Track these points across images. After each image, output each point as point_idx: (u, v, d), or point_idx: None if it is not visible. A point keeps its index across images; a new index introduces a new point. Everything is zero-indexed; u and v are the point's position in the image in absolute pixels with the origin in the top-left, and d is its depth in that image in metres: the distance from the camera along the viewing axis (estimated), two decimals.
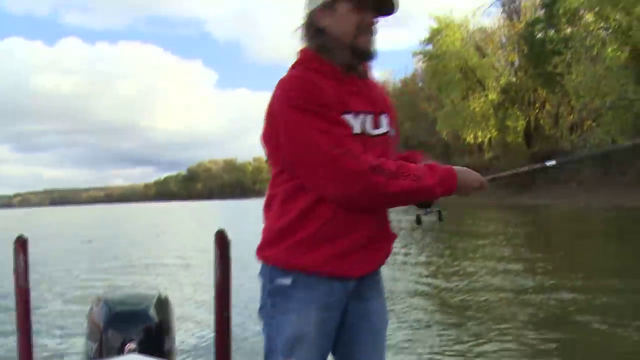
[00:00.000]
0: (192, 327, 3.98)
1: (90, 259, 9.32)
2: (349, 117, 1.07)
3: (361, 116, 1.09)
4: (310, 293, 1.06)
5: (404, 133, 40.76)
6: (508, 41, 28.88)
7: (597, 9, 18.04)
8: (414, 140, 36.15)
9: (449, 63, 29.03)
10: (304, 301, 1.07)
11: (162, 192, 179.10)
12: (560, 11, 21.14)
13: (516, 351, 3.19)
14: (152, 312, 1.39)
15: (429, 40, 31.56)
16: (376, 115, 1.12)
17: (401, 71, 72.69)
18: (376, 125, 1.12)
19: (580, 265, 6.40)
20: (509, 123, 27.39)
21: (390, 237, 1.18)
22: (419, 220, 1.13)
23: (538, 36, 23.43)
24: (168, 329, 1.41)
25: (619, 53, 17.85)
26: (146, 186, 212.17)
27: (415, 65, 38.22)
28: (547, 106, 26.24)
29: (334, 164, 0.99)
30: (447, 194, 1.06)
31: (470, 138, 29.68)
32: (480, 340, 3.42)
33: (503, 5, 29.81)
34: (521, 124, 27.61)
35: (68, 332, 4.01)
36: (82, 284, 6.42)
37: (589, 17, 19.53)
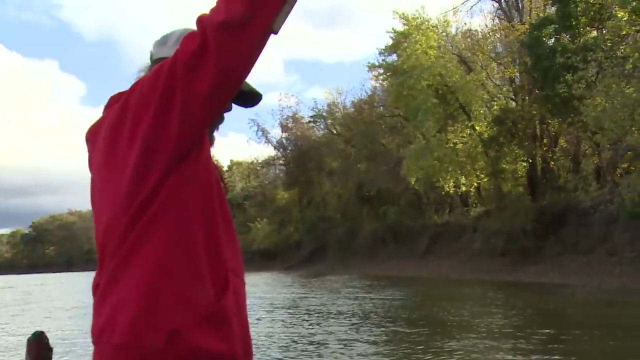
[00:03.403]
0: None
1: None
2: None
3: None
4: None
5: (357, 177, 41.01)
6: (505, 50, 29.03)
7: (633, 3, 17.82)
8: (371, 188, 35.79)
9: (419, 81, 29.07)
10: None
11: None
12: (579, 8, 21.04)
13: None
14: None
15: (392, 49, 32.31)
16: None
17: (354, 91, 72.83)
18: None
19: None
20: (505, 165, 27.46)
21: None
22: None
23: (548, 43, 23.25)
24: None
25: None
26: None
27: (373, 82, 38.95)
28: (562, 142, 26.45)
29: None
30: None
31: (449, 186, 29.71)
32: None
33: None
34: (522, 166, 27.58)
35: None
36: None
37: (621, 15, 19.17)
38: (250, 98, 1.50)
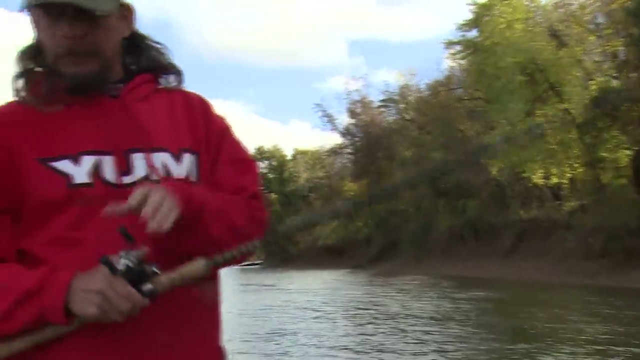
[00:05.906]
0: None
1: None
2: (61, 164, 1.15)
3: (89, 159, 1.16)
4: None
5: (432, 167, 40.50)
6: (607, 21, 28.51)
7: None
8: (449, 180, 35.74)
9: (504, 59, 28.96)
10: None
11: None
12: None
13: None
14: None
15: (473, 24, 31.96)
16: (121, 155, 1.18)
17: (428, 72, 71.57)
18: (124, 170, 1.18)
19: None
20: (604, 154, 27.25)
21: None
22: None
23: None
24: None
25: None
26: None
27: (450, 62, 38.85)
28: None
29: None
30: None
31: (538, 177, 29.97)
32: None
33: None
34: (626, 155, 26.95)
35: None
36: None
37: None
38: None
